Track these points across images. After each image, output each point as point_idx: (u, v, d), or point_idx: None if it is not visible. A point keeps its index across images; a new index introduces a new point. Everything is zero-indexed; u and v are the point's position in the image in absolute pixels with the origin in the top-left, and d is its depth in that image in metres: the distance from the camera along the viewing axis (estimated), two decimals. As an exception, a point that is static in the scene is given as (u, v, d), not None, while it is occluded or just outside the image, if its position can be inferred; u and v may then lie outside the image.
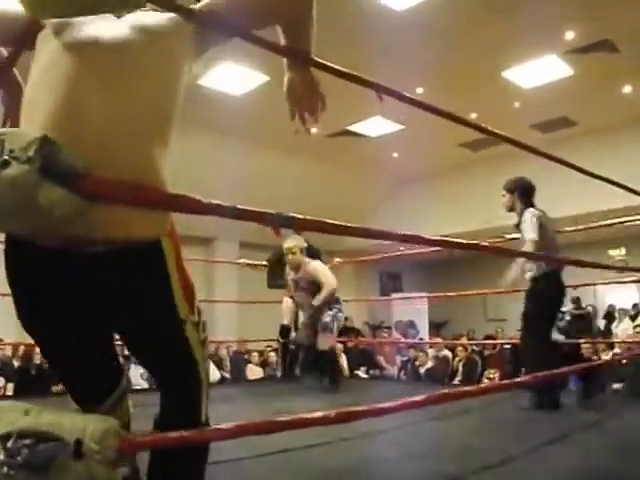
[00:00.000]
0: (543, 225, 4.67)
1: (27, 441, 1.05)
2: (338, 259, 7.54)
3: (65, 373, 1.55)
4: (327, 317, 5.99)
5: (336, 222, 1.81)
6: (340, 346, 10.00)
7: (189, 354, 1.50)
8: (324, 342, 6.03)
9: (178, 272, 1.45)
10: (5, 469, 1.04)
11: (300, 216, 1.68)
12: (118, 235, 1.31)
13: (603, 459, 3.08)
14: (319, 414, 1.64)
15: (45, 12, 1.36)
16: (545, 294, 4.69)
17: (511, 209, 4.91)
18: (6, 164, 1.04)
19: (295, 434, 1.98)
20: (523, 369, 6.12)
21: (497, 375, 8.33)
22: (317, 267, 6.11)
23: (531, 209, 4.75)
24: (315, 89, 1.85)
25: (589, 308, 11.38)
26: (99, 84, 1.34)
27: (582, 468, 2.93)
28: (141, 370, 6.79)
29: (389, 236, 2.12)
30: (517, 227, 4.88)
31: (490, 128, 3.05)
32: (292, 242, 6.09)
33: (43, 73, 1.40)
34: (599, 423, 4.14)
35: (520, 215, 4.77)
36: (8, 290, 1.40)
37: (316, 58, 1.86)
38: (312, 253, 7.43)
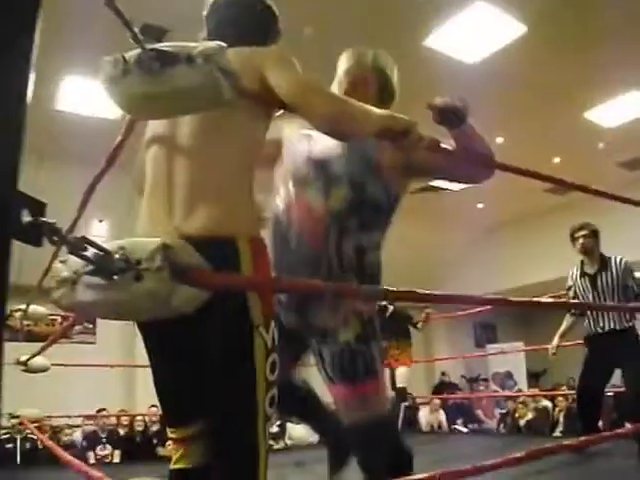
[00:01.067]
0: None
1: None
2: (424, 314, 7.44)
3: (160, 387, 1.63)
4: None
5: (426, 291, 1.77)
6: (438, 401, 9.90)
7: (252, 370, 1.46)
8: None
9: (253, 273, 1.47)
10: None
11: (392, 288, 1.68)
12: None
13: None
14: (424, 475, 1.61)
15: (141, 115, 1.56)
16: None
17: (589, 252, 4.81)
18: (139, 277, 1.13)
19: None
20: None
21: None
22: None
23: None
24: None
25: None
26: (185, 160, 1.54)
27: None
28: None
29: (471, 300, 2.11)
30: (592, 276, 4.75)
31: (561, 177, 2.98)
32: None
33: (148, 150, 1.65)
34: None
35: (602, 262, 4.71)
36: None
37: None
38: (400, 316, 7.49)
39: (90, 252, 1.15)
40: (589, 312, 4.84)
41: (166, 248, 1.16)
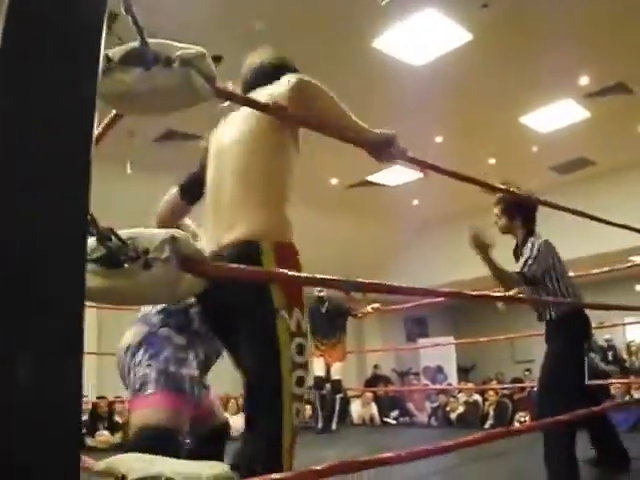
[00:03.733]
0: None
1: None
2: (372, 307, 7.56)
3: None
4: None
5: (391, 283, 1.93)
6: (370, 394, 10.12)
7: (276, 350, 1.70)
8: None
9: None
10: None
11: (365, 280, 1.82)
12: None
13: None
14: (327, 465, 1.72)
15: (125, 110, 1.75)
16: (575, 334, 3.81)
17: (505, 233, 4.05)
18: (147, 266, 1.25)
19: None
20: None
21: (528, 418, 8.36)
22: None
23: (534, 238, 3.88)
24: None
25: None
26: (230, 176, 1.91)
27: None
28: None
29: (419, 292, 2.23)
30: (516, 255, 3.98)
31: (491, 182, 3.19)
32: None
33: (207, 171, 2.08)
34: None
35: (523, 243, 3.89)
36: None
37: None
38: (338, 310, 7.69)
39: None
40: None
41: (174, 240, 1.28)
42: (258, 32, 5.98)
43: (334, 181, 10.82)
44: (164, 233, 1.29)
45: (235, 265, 1.46)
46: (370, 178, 10.70)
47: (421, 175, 10.33)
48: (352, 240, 12.35)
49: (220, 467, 1.36)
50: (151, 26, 1.69)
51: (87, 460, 2.26)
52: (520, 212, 3.95)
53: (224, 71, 6.32)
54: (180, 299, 1.35)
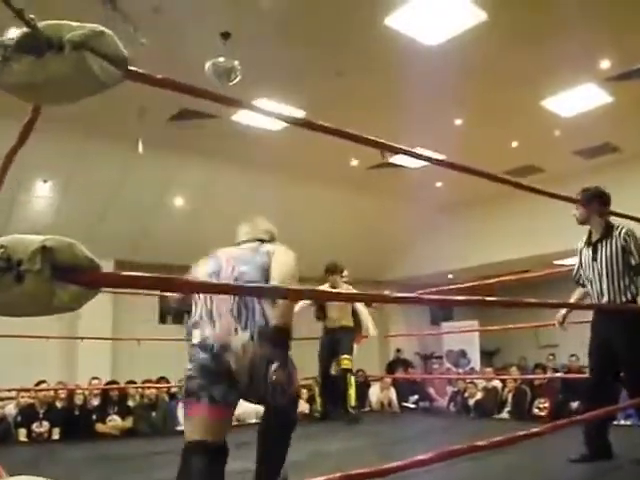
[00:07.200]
0: None
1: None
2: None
3: None
4: None
5: (330, 290, 1.80)
6: (389, 379, 9.98)
7: None
8: None
9: None
10: None
11: (295, 287, 1.69)
12: None
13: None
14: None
15: (30, 101, 1.55)
16: None
17: (583, 222, 4.23)
18: (20, 278, 1.12)
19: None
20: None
21: (547, 405, 8.15)
22: None
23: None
24: None
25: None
26: None
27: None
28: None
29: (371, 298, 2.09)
30: (593, 245, 4.18)
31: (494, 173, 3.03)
32: None
33: None
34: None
35: (606, 230, 4.13)
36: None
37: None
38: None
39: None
40: (589, 285, 4.22)
41: (46, 249, 1.15)
42: (268, 11, 5.84)
43: (354, 162, 10.62)
44: (37, 241, 1.16)
45: (132, 274, 1.32)
46: (391, 159, 10.45)
47: (442, 157, 10.16)
48: (376, 221, 12.20)
49: None
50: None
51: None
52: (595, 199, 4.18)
53: (231, 49, 6.10)
54: (64, 310, 1.20)
